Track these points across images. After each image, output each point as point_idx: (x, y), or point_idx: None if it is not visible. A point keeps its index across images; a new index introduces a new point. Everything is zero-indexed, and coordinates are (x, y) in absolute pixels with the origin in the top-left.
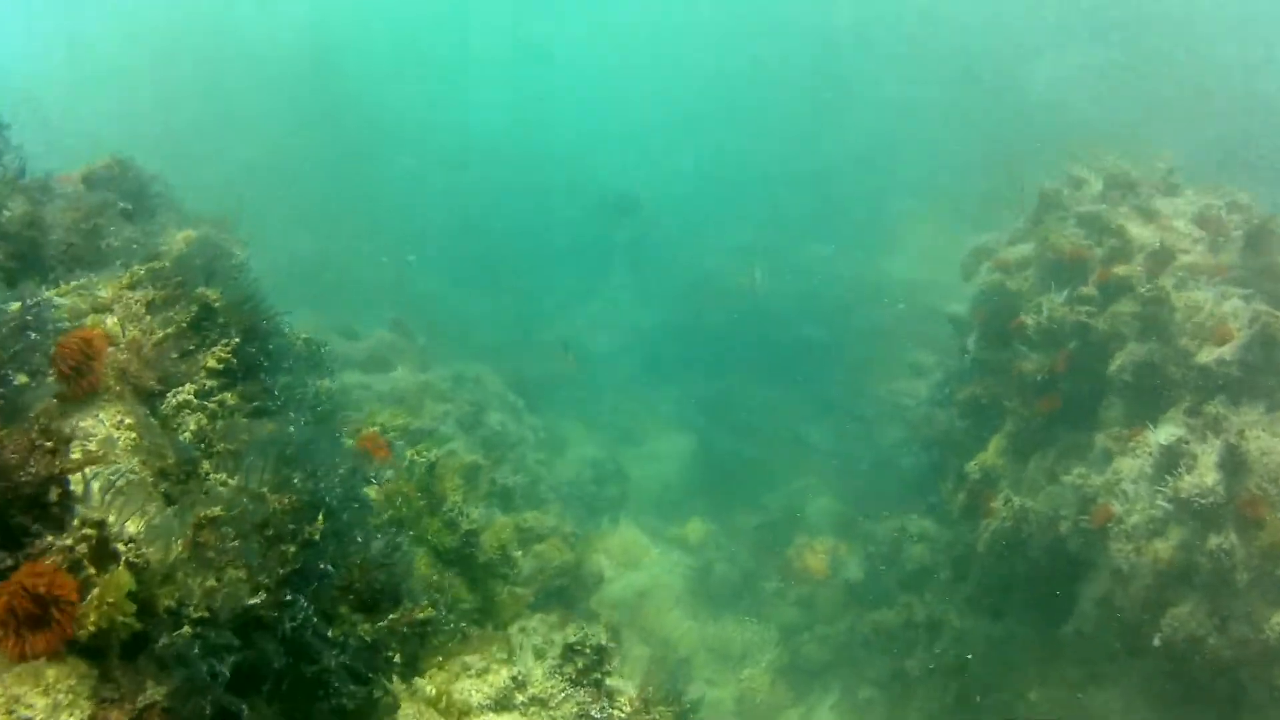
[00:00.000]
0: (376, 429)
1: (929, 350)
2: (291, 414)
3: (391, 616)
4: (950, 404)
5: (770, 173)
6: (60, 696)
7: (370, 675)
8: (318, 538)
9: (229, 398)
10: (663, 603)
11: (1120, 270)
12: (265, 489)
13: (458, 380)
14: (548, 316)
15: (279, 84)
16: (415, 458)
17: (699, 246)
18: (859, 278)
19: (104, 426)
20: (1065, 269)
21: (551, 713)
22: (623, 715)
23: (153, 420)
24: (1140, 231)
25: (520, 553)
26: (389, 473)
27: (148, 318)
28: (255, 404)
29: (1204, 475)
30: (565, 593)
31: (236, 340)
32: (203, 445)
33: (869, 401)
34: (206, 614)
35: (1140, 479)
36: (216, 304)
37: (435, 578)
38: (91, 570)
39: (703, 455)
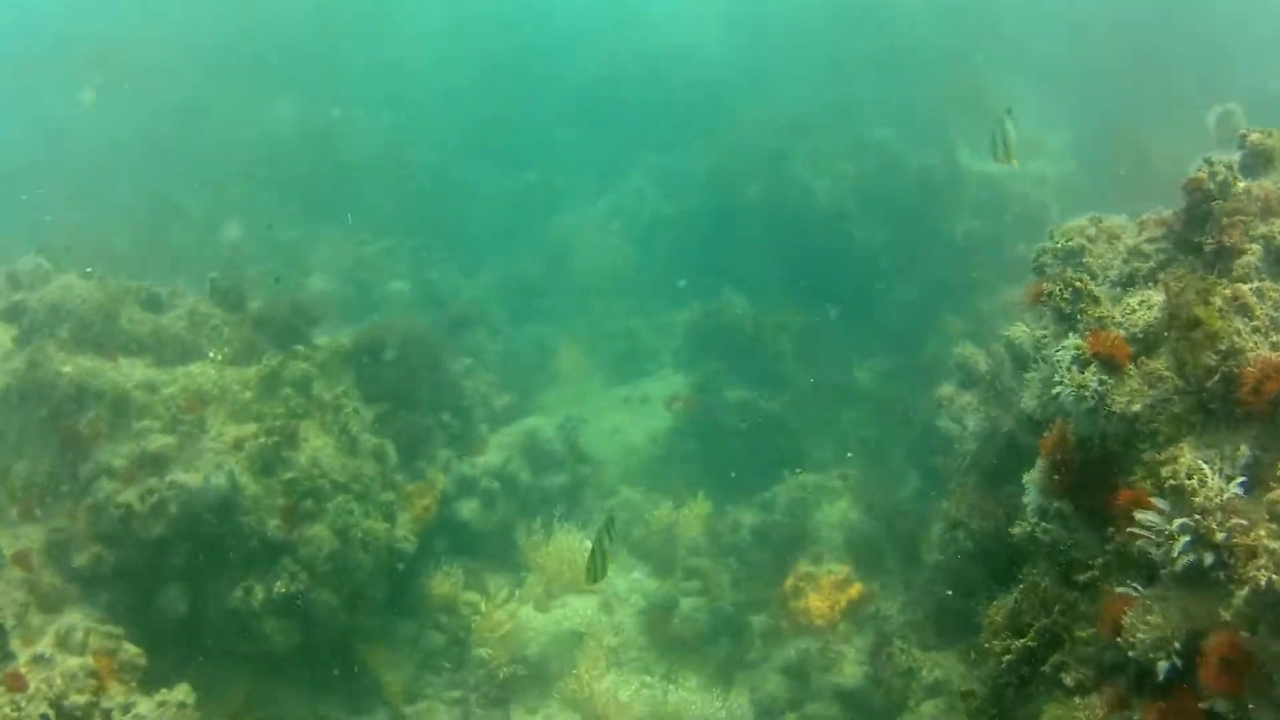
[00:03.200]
0: None
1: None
2: None
3: None
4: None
5: (827, 24)
6: None
7: None
8: None
9: None
10: (600, 655)
11: None
12: None
13: None
14: (563, 200)
15: None
16: None
17: (736, 120)
18: (928, 169)
19: None
20: None
21: None
22: None
23: None
24: None
25: None
26: None
27: None
28: None
29: None
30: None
31: None
32: None
33: (934, 337)
34: None
35: None
36: None
37: None
38: None
39: (704, 410)
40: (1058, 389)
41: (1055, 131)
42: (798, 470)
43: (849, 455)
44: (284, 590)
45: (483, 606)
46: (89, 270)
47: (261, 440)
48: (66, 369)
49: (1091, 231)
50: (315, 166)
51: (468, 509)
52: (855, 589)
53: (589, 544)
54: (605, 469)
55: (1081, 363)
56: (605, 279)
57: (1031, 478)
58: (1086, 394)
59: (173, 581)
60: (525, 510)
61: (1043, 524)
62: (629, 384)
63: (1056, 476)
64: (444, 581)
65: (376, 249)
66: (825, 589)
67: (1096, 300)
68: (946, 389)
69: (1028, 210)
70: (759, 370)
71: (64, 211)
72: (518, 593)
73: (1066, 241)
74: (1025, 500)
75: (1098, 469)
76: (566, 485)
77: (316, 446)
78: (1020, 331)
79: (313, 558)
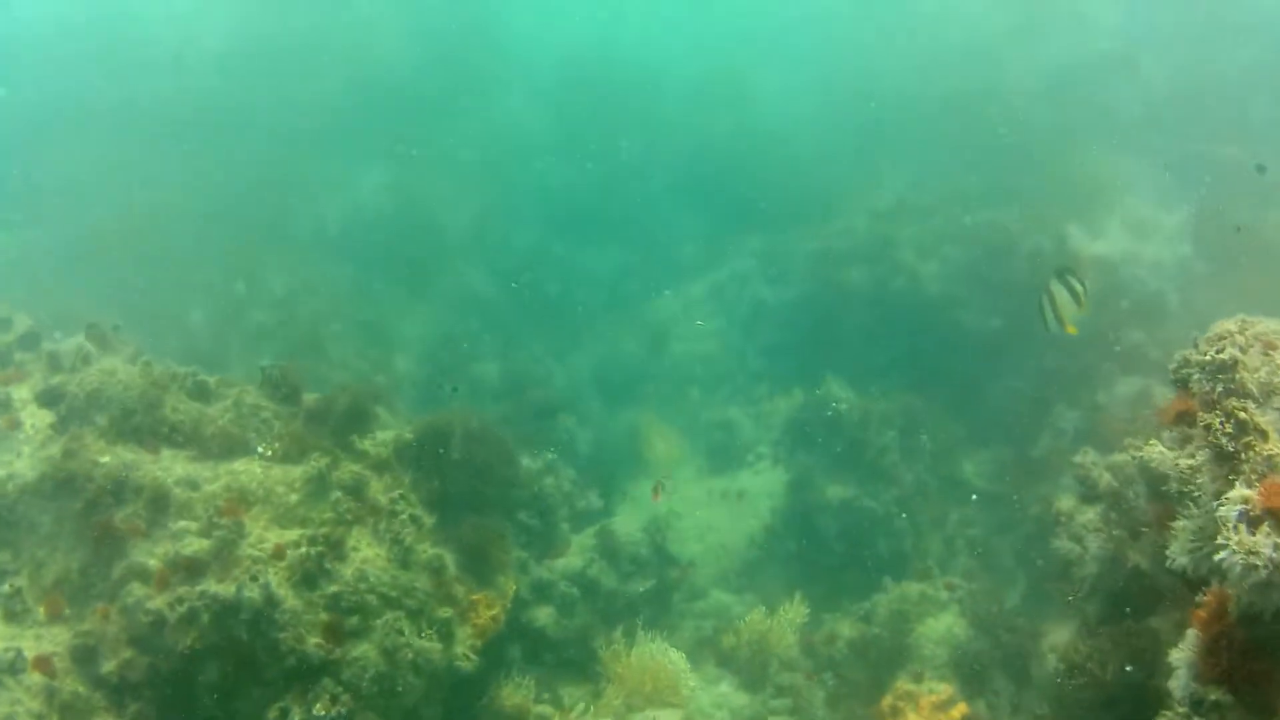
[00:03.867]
0: None
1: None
2: None
3: None
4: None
5: (933, 103)
6: None
7: None
8: None
9: None
10: None
11: None
12: None
13: None
14: (662, 283)
15: None
16: None
17: (840, 202)
18: (1039, 253)
19: None
20: None
21: None
22: None
23: None
24: None
25: None
26: None
27: None
28: None
29: None
30: None
31: None
32: None
33: (1047, 431)
34: None
35: None
36: None
37: None
38: None
39: (799, 506)
40: (1221, 554)
41: (1170, 212)
42: (900, 579)
43: (960, 560)
44: (323, 713)
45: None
46: (142, 355)
47: (304, 550)
48: (105, 459)
49: (1241, 339)
50: (406, 241)
51: (544, 615)
52: (959, 710)
53: (674, 655)
54: (696, 570)
55: (1251, 521)
56: (704, 365)
57: (1181, 656)
58: (1258, 564)
59: (205, 696)
60: (607, 617)
61: (1195, 718)
62: (725, 475)
63: (1214, 659)
64: (514, 693)
65: (465, 329)
66: (925, 710)
67: (1265, 435)
68: (1066, 502)
69: (1144, 297)
70: (863, 465)
71: (146, 285)
72: (593, 706)
73: (1216, 353)
74: (1173, 684)
75: (1267, 653)
76: (652, 590)
77: (366, 557)
78: (1156, 452)
79: (357, 679)
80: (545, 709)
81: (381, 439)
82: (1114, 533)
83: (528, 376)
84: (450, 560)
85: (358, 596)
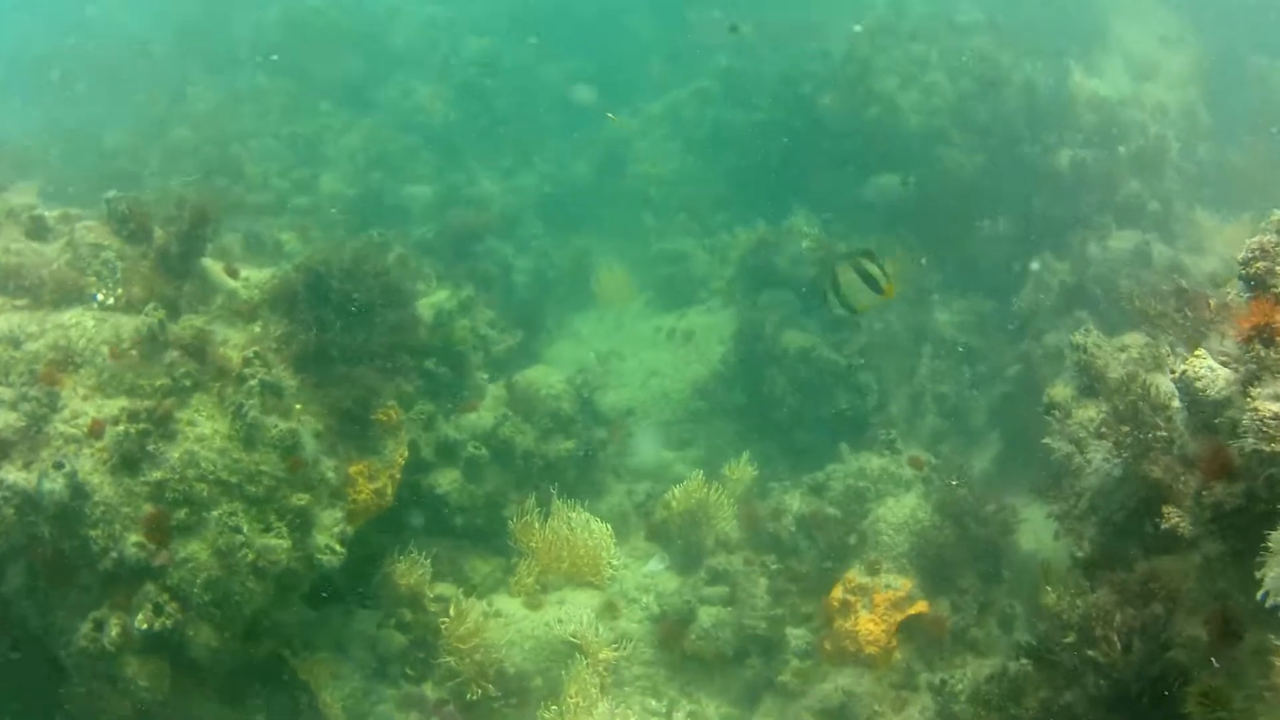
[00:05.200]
0: None
1: None
2: None
3: None
4: None
5: None
6: None
7: None
8: None
9: None
10: (594, 676)
11: None
12: None
13: None
14: (622, 98)
15: None
16: None
17: (813, 20)
18: (1033, 85)
19: None
20: None
21: None
22: None
23: None
24: None
25: None
26: None
27: None
28: None
29: None
30: None
31: None
32: None
33: (1032, 281)
34: None
35: None
36: None
37: None
38: None
39: (751, 353)
40: None
41: (1177, 51)
42: (860, 447)
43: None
44: (145, 626)
45: (454, 603)
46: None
47: (123, 427)
48: None
49: None
50: (349, 52)
51: (447, 481)
52: (917, 609)
53: (596, 527)
54: (635, 420)
55: None
56: (659, 189)
57: None
58: None
59: (16, 604)
60: (522, 482)
61: None
62: (675, 312)
63: None
64: (409, 572)
65: (401, 146)
66: (880, 607)
67: None
68: (1060, 390)
69: (1146, 144)
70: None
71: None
72: (503, 585)
73: None
74: None
75: None
76: (574, 452)
77: (202, 434)
78: (1206, 368)
79: (185, 585)
80: (446, 588)
81: (256, 279)
82: (1124, 449)
83: (462, 199)
84: (311, 433)
85: (185, 485)
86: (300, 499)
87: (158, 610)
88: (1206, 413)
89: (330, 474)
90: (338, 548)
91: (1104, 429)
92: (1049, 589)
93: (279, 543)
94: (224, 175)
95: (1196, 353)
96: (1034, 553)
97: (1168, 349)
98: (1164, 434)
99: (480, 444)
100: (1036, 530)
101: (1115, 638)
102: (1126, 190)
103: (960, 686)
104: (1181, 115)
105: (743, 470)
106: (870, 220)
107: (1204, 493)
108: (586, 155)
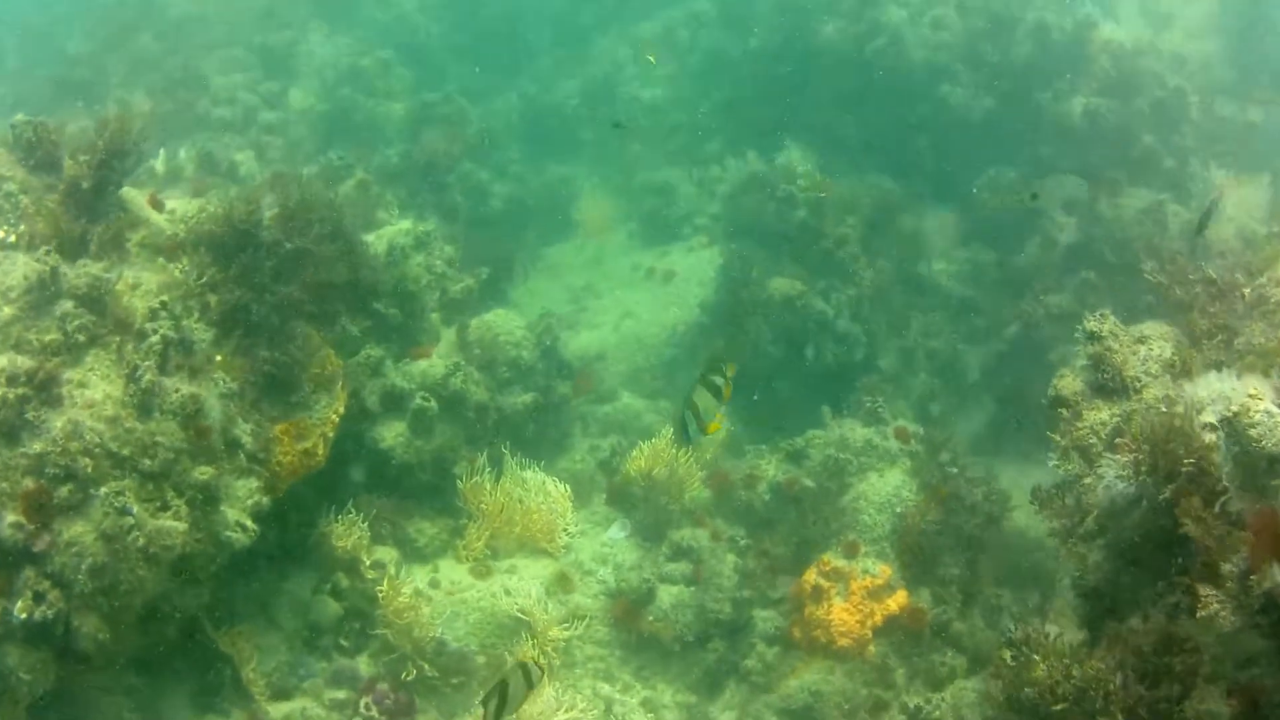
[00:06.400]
0: None
1: None
2: None
3: None
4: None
5: None
6: None
7: None
8: None
9: None
10: (542, 656)
11: None
12: None
13: None
14: (613, 16)
15: None
16: None
17: None
18: (1046, 26)
19: None
20: None
21: None
22: None
23: None
24: None
25: None
26: None
27: None
28: None
29: None
30: None
31: None
32: None
33: (1037, 236)
34: None
35: None
36: None
37: None
38: None
39: (734, 299)
40: None
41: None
42: (843, 408)
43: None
44: (24, 615)
45: (387, 576)
46: None
47: (1, 391)
48: None
49: None
50: None
51: (392, 434)
52: (896, 601)
53: (553, 488)
54: (605, 365)
55: None
56: (648, 116)
57: None
58: None
59: None
60: (474, 437)
61: None
62: (656, 248)
63: None
64: (346, 534)
65: (376, 60)
66: (857, 595)
67: None
68: (1069, 382)
69: (1164, 96)
70: (816, 255)
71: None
72: (450, 549)
73: None
74: None
75: None
76: (535, 405)
77: (92, 400)
78: (1260, 411)
79: (69, 572)
80: (387, 552)
81: (183, 212)
82: (1143, 475)
83: (437, 118)
84: (224, 394)
85: (69, 459)
86: (204, 472)
87: (38, 598)
88: (1260, 468)
89: (247, 438)
90: (249, 524)
91: (1121, 443)
92: (1037, 659)
93: (175, 524)
94: (189, 88)
95: (1251, 391)
96: (1024, 530)
97: (1196, 354)
98: (1193, 464)
99: (429, 395)
100: (1028, 508)
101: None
102: (1141, 145)
103: (937, 714)
104: (1200, 68)
105: (717, 424)
106: (865, 158)
107: (1252, 577)
108: (575, 76)
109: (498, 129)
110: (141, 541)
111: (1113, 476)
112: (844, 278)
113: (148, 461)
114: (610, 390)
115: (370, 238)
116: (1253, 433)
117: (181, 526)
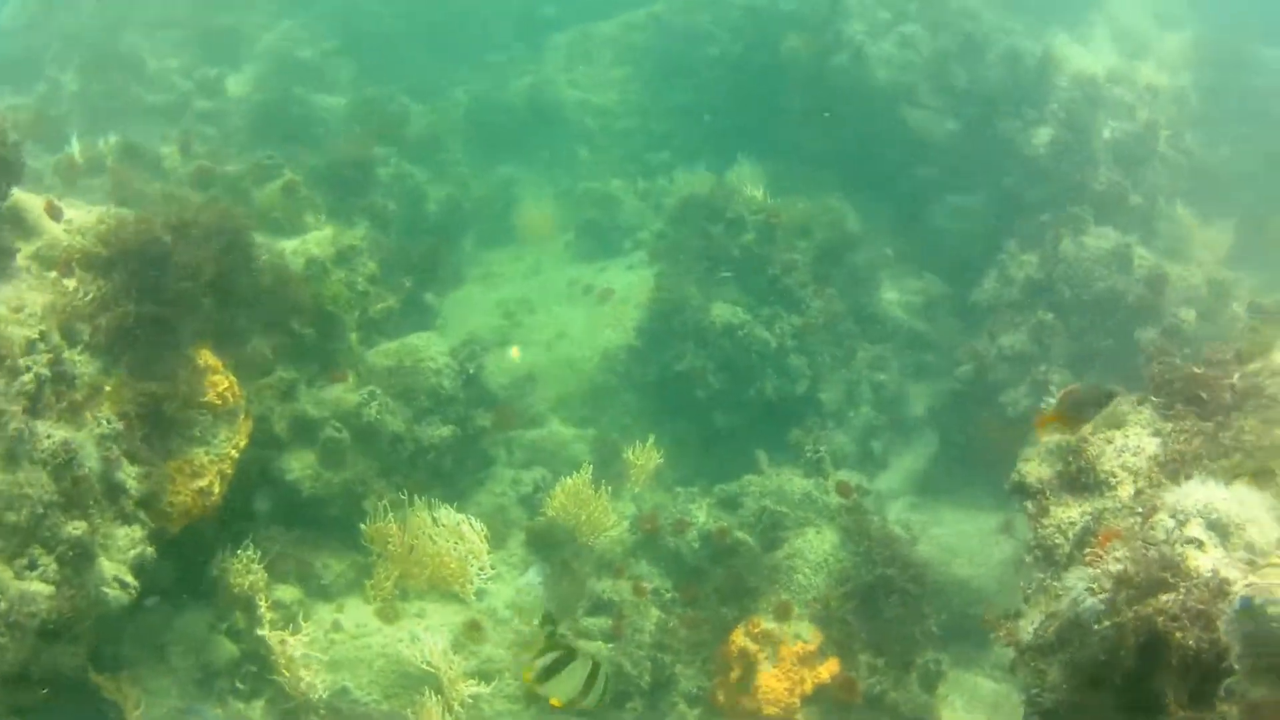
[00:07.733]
0: None
1: None
2: None
3: None
4: None
5: None
6: None
7: None
8: None
9: None
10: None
11: None
12: None
13: None
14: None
15: None
16: None
17: None
18: (1017, 54)
19: None
20: None
21: None
22: None
23: None
24: None
25: None
26: None
27: None
28: None
29: None
30: None
31: None
32: None
33: (993, 270)
34: None
35: None
36: None
37: None
38: None
39: (672, 324)
40: None
41: (1175, 30)
42: (781, 456)
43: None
44: None
45: (272, 626)
46: None
47: None
48: None
49: None
50: None
51: (300, 465)
52: (828, 670)
53: (469, 529)
54: (534, 387)
55: None
56: (598, 120)
57: None
58: None
59: None
60: (390, 469)
61: None
62: (595, 263)
63: None
64: (243, 573)
65: (319, 50)
66: (786, 662)
67: None
68: (1034, 468)
69: (1134, 130)
70: (762, 280)
71: None
72: (359, 588)
73: None
74: None
75: None
76: (453, 438)
77: None
78: None
79: None
80: (288, 590)
81: (82, 223)
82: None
83: (378, 114)
84: (105, 436)
85: None
86: (76, 527)
87: None
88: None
89: (132, 482)
90: (129, 579)
91: (1092, 555)
92: None
93: (40, 588)
94: (121, 70)
95: (1273, 559)
96: (966, 582)
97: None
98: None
99: (341, 425)
100: (972, 554)
101: None
102: (1108, 179)
103: None
104: (1172, 100)
105: (647, 456)
106: (821, 177)
107: None
108: (527, 74)
109: (442, 127)
110: (2, 607)
111: (1082, 588)
112: (790, 305)
113: (12, 516)
114: (539, 415)
115: (293, 244)
116: (1272, 610)
117: (48, 590)
